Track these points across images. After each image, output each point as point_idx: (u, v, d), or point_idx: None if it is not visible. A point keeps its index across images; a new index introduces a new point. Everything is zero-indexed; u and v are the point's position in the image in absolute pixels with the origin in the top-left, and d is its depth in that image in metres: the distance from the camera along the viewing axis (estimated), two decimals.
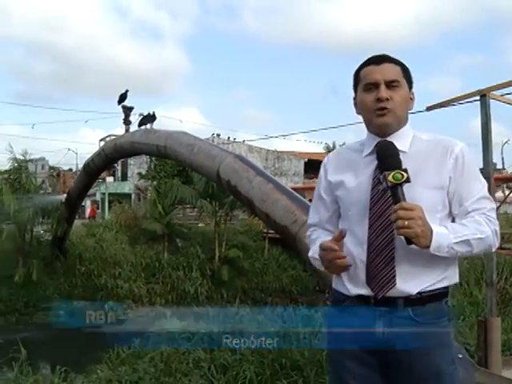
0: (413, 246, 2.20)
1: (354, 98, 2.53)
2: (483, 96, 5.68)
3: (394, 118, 2.38)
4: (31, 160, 23.10)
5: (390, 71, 2.40)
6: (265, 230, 24.49)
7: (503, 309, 9.49)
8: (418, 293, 2.31)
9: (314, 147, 56.43)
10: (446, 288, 2.39)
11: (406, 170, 2.21)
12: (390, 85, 2.37)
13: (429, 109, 6.47)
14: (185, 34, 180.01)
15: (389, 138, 2.39)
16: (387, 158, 2.29)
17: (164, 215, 23.58)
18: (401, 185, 2.20)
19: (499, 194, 18.54)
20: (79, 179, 18.70)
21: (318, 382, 5.53)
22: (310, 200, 2.82)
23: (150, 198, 29.22)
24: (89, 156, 17.49)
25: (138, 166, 41.97)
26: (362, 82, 2.44)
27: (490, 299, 5.78)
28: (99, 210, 41.29)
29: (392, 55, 2.46)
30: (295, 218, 6.34)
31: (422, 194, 2.28)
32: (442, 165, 2.35)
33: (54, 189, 26.34)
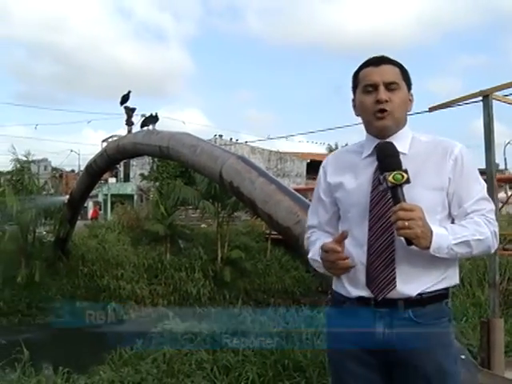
0: (413, 247, 2.20)
1: (353, 100, 2.53)
2: (486, 97, 5.67)
3: (393, 120, 2.39)
4: (34, 161, 23.12)
5: (388, 73, 2.40)
6: (267, 231, 24.47)
7: (506, 310, 9.47)
8: (418, 294, 2.31)
9: (316, 148, 56.45)
10: (447, 289, 2.40)
11: (406, 171, 2.21)
12: (389, 86, 2.37)
13: (431, 109, 6.46)
14: (188, 35, 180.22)
15: (388, 140, 2.39)
16: (387, 158, 2.28)
17: (166, 216, 23.60)
18: (401, 186, 2.20)
19: (502, 195, 18.53)
20: (81, 180, 18.70)
21: (321, 383, 5.53)
22: None
23: (152, 199, 29.24)
24: (91, 157, 17.47)
25: (140, 167, 41.96)
26: (361, 84, 2.44)
27: (492, 300, 5.78)
28: (101, 211, 41.32)
29: (392, 56, 2.46)
30: (298, 218, 6.33)
31: (421, 195, 2.28)
32: (441, 166, 2.35)
33: (56, 190, 26.26)
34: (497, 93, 5.79)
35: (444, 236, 2.23)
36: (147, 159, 37.49)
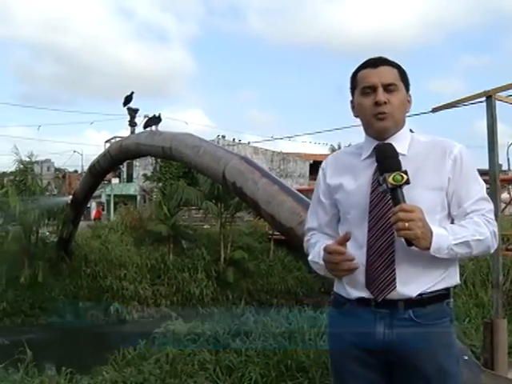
0: (413, 247, 2.20)
1: (351, 101, 2.53)
2: (489, 97, 5.67)
3: (392, 121, 2.38)
4: (37, 162, 23.13)
5: (387, 74, 2.39)
6: (270, 232, 24.47)
7: (509, 310, 9.45)
8: (419, 294, 2.31)
9: (319, 149, 56.58)
10: (447, 289, 2.39)
11: (405, 172, 2.20)
12: (388, 88, 2.37)
13: (434, 110, 6.46)
14: (190, 35, 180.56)
15: (387, 141, 2.38)
16: (387, 159, 2.28)
17: (169, 217, 23.60)
18: (401, 186, 2.20)
19: (505, 196, 18.47)
20: (85, 181, 18.72)
21: (324, 383, 5.53)
22: None
23: (155, 200, 29.27)
24: (94, 158, 17.51)
25: (143, 167, 41.98)
26: (360, 86, 2.43)
27: (495, 301, 5.77)
28: (105, 212, 41.35)
29: (394, 57, 2.46)
30: (301, 219, 6.33)
31: (421, 196, 2.28)
32: (440, 166, 2.35)
33: (59, 190, 26.34)
34: (500, 93, 5.79)
35: (444, 236, 2.22)
36: (150, 160, 37.51)
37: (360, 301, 2.38)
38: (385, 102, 2.34)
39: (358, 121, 2.52)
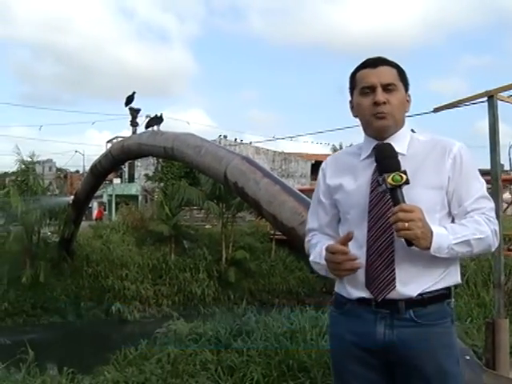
0: (413, 247, 2.20)
1: (351, 101, 2.53)
2: (491, 97, 5.67)
3: (392, 120, 2.39)
4: (38, 162, 23.13)
5: (386, 74, 2.40)
6: (272, 232, 24.48)
7: (511, 310, 9.45)
8: (419, 294, 2.31)
9: (320, 149, 56.54)
10: (448, 289, 2.39)
11: (405, 172, 2.21)
12: (387, 88, 2.37)
13: (436, 110, 6.46)
14: (191, 35, 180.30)
15: (386, 141, 2.39)
16: (386, 159, 2.28)
17: (171, 217, 23.62)
18: (400, 187, 2.20)
19: (507, 196, 18.49)
20: (86, 181, 18.72)
21: (325, 383, 5.53)
22: None
23: (156, 200, 29.23)
24: (96, 158, 17.50)
25: (144, 167, 41.99)
26: (359, 86, 2.44)
27: (497, 301, 5.77)
28: (106, 212, 41.35)
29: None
30: (302, 219, 6.32)
31: (420, 195, 2.28)
32: (440, 165, 2.35)
33: (61, 190, 26.32)
34: (502, 93, 5.79)
35: (444, 236, 2.22)
36: (152, 160, 37.51)
37: (360, 301, 2.38)
38: (384, 102, 2.35)
39: (359, 121, 2.52)
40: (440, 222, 2.30)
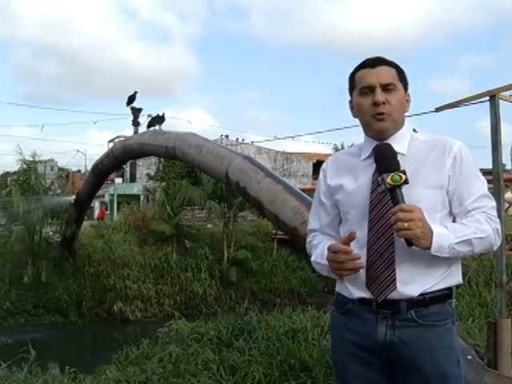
0: (414, 247, 2.19)
1: (350, 102, 2.53)
2: (492, 97, 5.65)
3: (392, 122, 2.38)
4: (40, 161, 23.11)
5: (385, 74, 2.39)
6: (273, 231, 24.48)
7: None
8: (421, 294, 2.31)
9: (322, 148, 56.46)
10: (449, 289, 2.39)
11: (404, 172, 2.20)
12: (386, 88, 2.37)
13: (437, 110, 6.45)
14: (193, 35, 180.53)
15: (386, 142, 2.38)
16: (385, 160, 2.28)
17: (172, 216, 23.62)
18: (399, 186, 2.19)
19: (508, 195, 18.44)
20: (88, 180, 18.71)
21: (327, 382, 5.52)
22: None
23: (158, 199, 29.21)
24: (97, 157, 17.48)
25: (146, 167, 41.97)
26: (358, 86, 2.43)
27: (499, 300, 5.76)
28: (108, 212, 41.34)
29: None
30: (304, 218, 6.32)
31: (421, 195, 2.28)
32: (440, 164, 2.34)
33: (62, 190, 26.35)
34: (504, 93, 5.78)
35: (445, 235, 2.22)
36: (153, 159, 37.51)
37: (361, 301, 2.38)
38: (383, 102, 2.34)
39: (358, 121, 2.52)
40: (441, 222, 2.30)
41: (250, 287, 22.98)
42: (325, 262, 2.39)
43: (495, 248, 2.39)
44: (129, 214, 27.60)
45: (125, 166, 41.20)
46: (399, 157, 2.30)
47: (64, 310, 20.13)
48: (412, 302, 2.30)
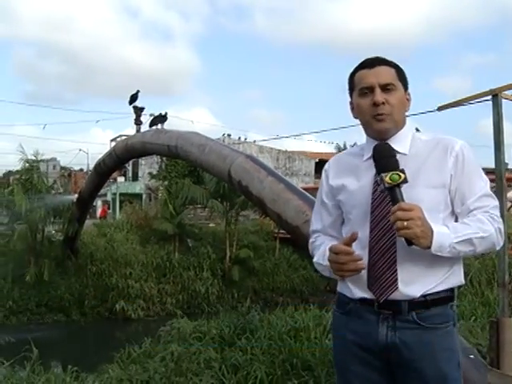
0: (414, 247, 2.18)
1: (351, 103, 2.53)
2: (495, 96, 5.65)
3: (392, 122, 2.38)
4: (42, 160, 23.12)
5: (384, 74, 2.39)
6: (276, 230, 24.47)
7: None
8: (422, 296, 2.30)
9: (324, 147, 56.52)
10: (451, 291, 2.38)
11: (403, 171, 2.20)
12: (386, 88, 2.37)
13: (440, 109, 6.44)
14: (195, 34, 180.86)
15: (388, 141, 2.38)
16: (383, 159, 2.27)
17: (175, 215, 23.59)
18: (399, 186, 2.19)
19: (511, 194, 18.42)
20: (90, 179, 18.71)
21: (329, 381, 5.53)
22: None
23: (160, 198, 29.27)
24: (100, 156, 17.49)
25: (148, 166, 42.00)
26: (357, 87, 2.44)
27: (501, 300, 5.76)
28: (110, 210, 41.37)
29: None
30: (306, 218, 6.32)
31: (423, 194, 2.28)
32: (442, 163, 2.34)
33: (65, 189, 26.39)
34: (506, 92, 5.77)
35: (445, 235, 2.21)
36: (156, 158, 37.52)
37: (363, 301, 2.38)
38: (383, 103, 2.34)
39: (359, 121, 2.51)
40: (444, 222, 2.30)
41: (252, 286, 22.95)
42: (326, 263, 2.38)
43: (498, 248, 2.38)
44: (131, 212, 27.58)
45: (127, 165, 41.19)
46: (401, 156, 2.30)
47: (66, 308, 20.12)
48: (413, 304, 2.30)
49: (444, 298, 2.34)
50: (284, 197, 7.22)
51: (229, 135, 43.08)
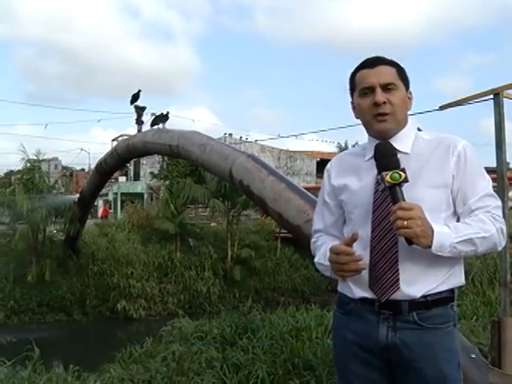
0: (415, 247, 2.18)
1: (352, 102, 2.52)
2: (496, 95, 5.64)
3: (394, 122, 2.37)
4: (44, 160, 23.12)
5: (385, 74, 2.38)
6: (277, 230, 24.46)
7: None
8: (423, 296, 2.30)
9: (326, 146, 56.58)
10: (452, 291, 2.38)
11: (403, 170, 2.19)
12: (386, 88, 2.35)
13: (441, 108, 6.44)
14: (196, 33, 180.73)
15: (390, 141, 2.36)
16: (384, 158, 2.26)
17: (176, 215, 23.60)
18: (399, 185, 2.18)
19: None
20: (92, 179, 18.72)
21: (331, 381, 5.53)
22: None
23: (162, 198, 29.26)
24: (101, 156, 17.49)
25: (150, 165, 42.05)
26: (358, 87, 2.43)
27: (503, 299, 5.75)
28: (112, 210, 41.44)
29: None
30: (308, 217, 6.31)
31: (425, 194, 2.27)
32: (444, 163, 2.33)
33: (66, 189, 26.34)
34: (508, 91, 5.77)
35: (446, 234, 2.20)
36: (157, 158, 37.58)
37: (364, 301, 2.37)
38: (384, 102, 2.33)
39: (361, 121, 2.51)
40: (445, 222, 2.29)
41: (253, 286, 22.96)
42: (327, 263, 2.38)
43: (500, 248, 2.36)
44: (132, 212, 27.61)
45: (129, 165, 41.30)
46: (403, 156, 2.30)
47: (68, 308, 20.14)
48: (414, 304, 2.30)
49: (444, 298, 2.33)
50: (285, 196, 7.21)
51: (230, 134, 43.08)
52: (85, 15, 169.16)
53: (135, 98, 23.33)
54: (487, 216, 2.28)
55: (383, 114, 2.34)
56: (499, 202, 2.38)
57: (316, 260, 2.56)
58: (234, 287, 22.44)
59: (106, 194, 42.41)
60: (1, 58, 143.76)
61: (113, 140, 38.54)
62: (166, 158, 34.01)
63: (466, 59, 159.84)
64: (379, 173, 2.24)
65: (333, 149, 55.07)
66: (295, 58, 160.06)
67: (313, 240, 2.68)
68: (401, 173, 2.18)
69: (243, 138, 43.26)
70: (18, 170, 24.72)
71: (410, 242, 2.17)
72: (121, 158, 15.79)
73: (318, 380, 5.81)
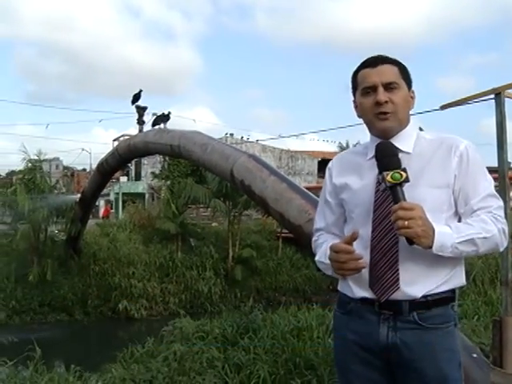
0: (416, 247, 2.17)
1: (354, 101, 2.51)
2: (498, 94, 5.64)
3: (396, 121, 2.37)
4: (45, 160, 23.12)
5: (387, 73, 2.37)
6: (278, 230, 24.46)
7: None
8: (423, 296, 2.29)
9: (327, 146, 56.53)
10: (452, 292, 2.37)
11: (404, 170, 2.18)
12: (388, 87, 2.35)
13: (443, 108, 6.43)
14: (197, 33, 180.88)
15: (392, 140, 2.36)
16: (385, 157, 2.26)
17: (177, 215, 23.60)
18: (400, 184, 2.18)
19: None
20: (93, 179, 18.72)
21: (332, 381, 5.52)
22: None
23: (163, 198, 29.23)
24: (102, 156, 17.50)
25: (151, 165, 42.05)
26: (360, 86, 2.42)
27: (504, 299, 5.75)
28: (113, 210, 41.45)
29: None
30: (309, 217, 6.31)
31: (426, 194, 2.26)
32: (446, 163, 2.32)
33: (68, 189, 26.34)
34: (509, 90, 5.77)
35: (447, 234, 2.19)
36: (158, 158, 37.55)
37: (364, 301, 2.37)
38: (386, 102, 2.32)
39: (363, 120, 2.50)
40: (446, 222, 2.28)
41: (254, 286, 22.97)
42: (328, 261, 2.38)
43: (501, 249, 2.35)
44: (134, 212, 27.62)
45: (130, 165, 41.31)
46: (404, 155, 2.29)
47: (69, 308, 20.14)
48: (415, 304, 2.29)
49: (445, 298, 2.33)
50: (287, 196, 7.21)
51: (231, 134, 43.04)
52: (85, 15, 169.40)
53: (136, 97, 23.28)
54: (489, 216, 2.27)
55: (385, 112, 2.33)
56: (501, 203, 2.38)
57: (317, 258, 2.56)
58: (235, 287, 22.44)
59: (108, 194, 42.43)
60: (1, 58, 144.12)
61: (114, 140, 38.49)
62: (167, 158, 33.98)
63: (467, 59, 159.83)
64: (380, 172, 2.23)
65: (334, 148, 54.98)
66: (296, 58, 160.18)
67: (314, 238, 2.68)
68: (402, 173, 2.17)
69: (244, 138, 43.28)
70: (20, 170, 24.72)
71: (410, 241, 2.16)
72: (122, 158, 15.80)
73: (320, 380, 5.81)
